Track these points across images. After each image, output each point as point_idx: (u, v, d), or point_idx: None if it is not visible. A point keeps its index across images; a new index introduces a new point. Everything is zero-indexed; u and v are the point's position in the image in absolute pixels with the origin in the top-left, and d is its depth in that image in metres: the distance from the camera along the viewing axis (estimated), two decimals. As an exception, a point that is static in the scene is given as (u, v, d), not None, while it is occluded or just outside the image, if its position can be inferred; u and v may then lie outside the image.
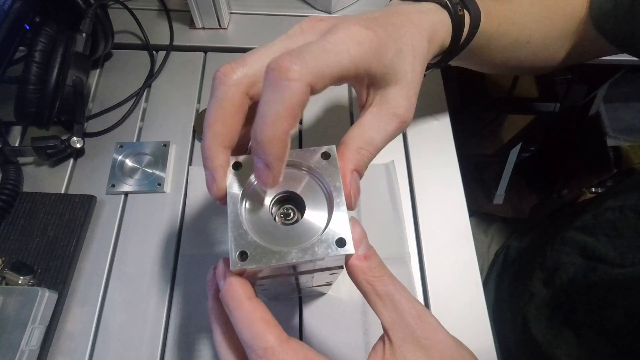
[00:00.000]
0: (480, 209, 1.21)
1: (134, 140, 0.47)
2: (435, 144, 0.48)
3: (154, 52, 0.53)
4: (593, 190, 1.06)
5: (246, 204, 0.24)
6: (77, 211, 0.41)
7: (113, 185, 0.44)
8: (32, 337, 0.33)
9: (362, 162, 0.25)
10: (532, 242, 0.54)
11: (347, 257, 0.23)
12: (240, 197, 0.23)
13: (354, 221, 0.23)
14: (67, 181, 0.45)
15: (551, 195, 1.19)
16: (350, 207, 0.23)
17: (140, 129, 0.49)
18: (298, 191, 0.24)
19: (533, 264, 0.48)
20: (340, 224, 0.22)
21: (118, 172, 0.44)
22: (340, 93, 0.52)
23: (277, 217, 0.25)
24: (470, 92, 0.76)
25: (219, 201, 0.24)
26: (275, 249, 0.21)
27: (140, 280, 0.40)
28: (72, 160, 0.46)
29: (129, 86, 0.51)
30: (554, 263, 0.45)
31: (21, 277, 0.36)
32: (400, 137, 0.49)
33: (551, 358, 0.41)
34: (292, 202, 0.26)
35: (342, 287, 0.40)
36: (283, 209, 0.25)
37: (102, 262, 0.40)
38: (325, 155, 0.25)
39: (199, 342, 0.37)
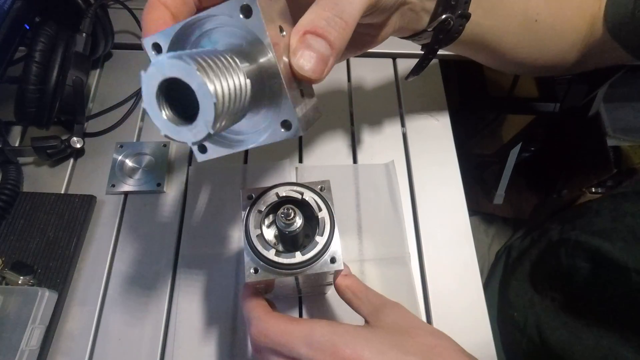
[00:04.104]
0: (480, 209, 1.21)
1: (134, 140, 0.47)
2: (435, 144, 0.48)
3: (154, 52, 0.53)
4: (593, 190, 1.06)
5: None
6: (77, 211, 0.41)
7: (113, 185, 0.44)
8: (32, 337, 0.33)
9: (322, 21, 0.21)
10: (535, 242, 0.54)
11: (337, 272, 0.28)
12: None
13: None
14: (67, 181, 0.45)
15: (551, 195, 1.19)
16: (303, 76, 0.20)
17: (140, 129, 0.49)
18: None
19: (544, 266, 0.48)
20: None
21: (118, 172, 0.44)
22: (341, 93, 0.52)
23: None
24: (470, 92, 0.76)
25: None
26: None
27: (140, 280, 0.40)
28: (72, 160, 0.46)
29: (129, 86, 0.50)
30: (567, 267, 0.44)
31: (21, 277, 0.36)
32: (400, 137, 0.49)
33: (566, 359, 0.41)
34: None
35: (342, 287, 0.40)
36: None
37: (102, 262, 0.40)
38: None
39: (199, 342, 0.37)
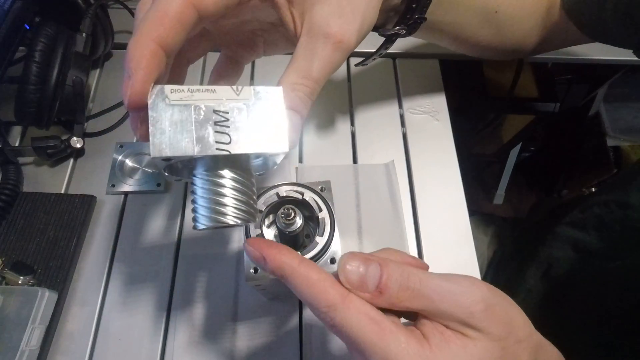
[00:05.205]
0: (480, 209, 1.21)
1: (134, 140, 0.47)
2: (435, 144, 0.48)
3: (154, 52, 0.53)
4: (593, 190, 1.06)
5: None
6: (77, 211, 0.41)
7: (113, 185, 0.44)
8: (32, 337, 0.33)
9: (298, 98, 0.23)
10: (524, 239, 0.55)
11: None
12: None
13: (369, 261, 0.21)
14: (67, 181, 0.45)
15: (551, 195, 1.19)
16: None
17: (140, 129, 0.49)
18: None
19: (528, 260, 0.49)
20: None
21: (118, 172, 0.44)
22: (341, 93, 0.52)
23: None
24: (470, 92, 0.76)
25: (131, 111, 0.20)
26: None
27: (140, 280, 0.40)
28: (72, 160, 0.46)
29: (129, 86, 0.50)
30: (547, 258, 0.45)
31: (21, 277, 0.36)
32: (400, 136, 0.49)
33: None
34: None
35: (342, 287, 0.40)
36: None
37: (102, 262, 0.40)
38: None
39: (199, 342, 0.37)
